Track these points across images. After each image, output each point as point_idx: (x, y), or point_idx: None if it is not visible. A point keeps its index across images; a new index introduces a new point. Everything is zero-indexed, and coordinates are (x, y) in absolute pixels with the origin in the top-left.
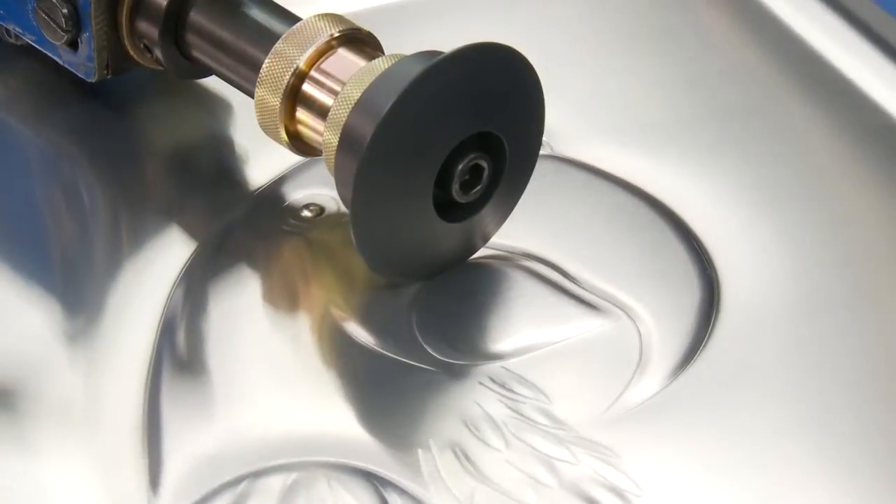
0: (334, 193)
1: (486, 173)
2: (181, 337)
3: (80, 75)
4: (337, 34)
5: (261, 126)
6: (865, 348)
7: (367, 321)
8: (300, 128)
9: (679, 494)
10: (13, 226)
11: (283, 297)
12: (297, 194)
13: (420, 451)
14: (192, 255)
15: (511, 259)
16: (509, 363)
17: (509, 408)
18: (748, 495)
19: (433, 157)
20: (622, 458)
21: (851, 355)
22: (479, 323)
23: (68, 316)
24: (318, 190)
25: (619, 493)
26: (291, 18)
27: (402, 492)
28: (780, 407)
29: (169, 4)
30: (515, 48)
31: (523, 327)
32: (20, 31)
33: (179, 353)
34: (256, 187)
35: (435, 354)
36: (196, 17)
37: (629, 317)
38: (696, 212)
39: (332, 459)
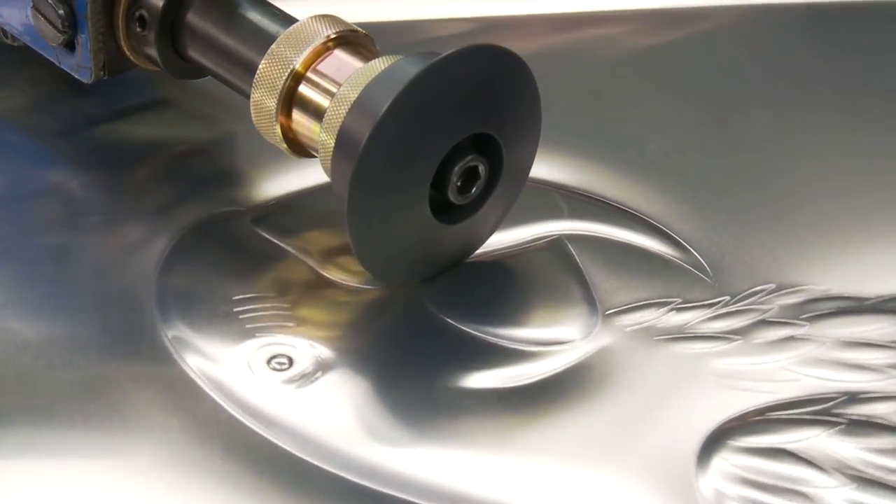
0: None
1: (482, 175)
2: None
3: (76, 76)
4: (333, 35)
5: (257, 127)
6: None
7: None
8: (296, 129)
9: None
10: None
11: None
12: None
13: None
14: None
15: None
16: (610, 313)
17: (689, 320)
18: None
19: (430, 159)
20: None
21: None
22: (553, 304)
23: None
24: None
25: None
26: (288, 20)
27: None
28: None
29: (165, 6)
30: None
31: (578, 288)
32: (16, 32)
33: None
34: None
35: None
36: (192, 18)
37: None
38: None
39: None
